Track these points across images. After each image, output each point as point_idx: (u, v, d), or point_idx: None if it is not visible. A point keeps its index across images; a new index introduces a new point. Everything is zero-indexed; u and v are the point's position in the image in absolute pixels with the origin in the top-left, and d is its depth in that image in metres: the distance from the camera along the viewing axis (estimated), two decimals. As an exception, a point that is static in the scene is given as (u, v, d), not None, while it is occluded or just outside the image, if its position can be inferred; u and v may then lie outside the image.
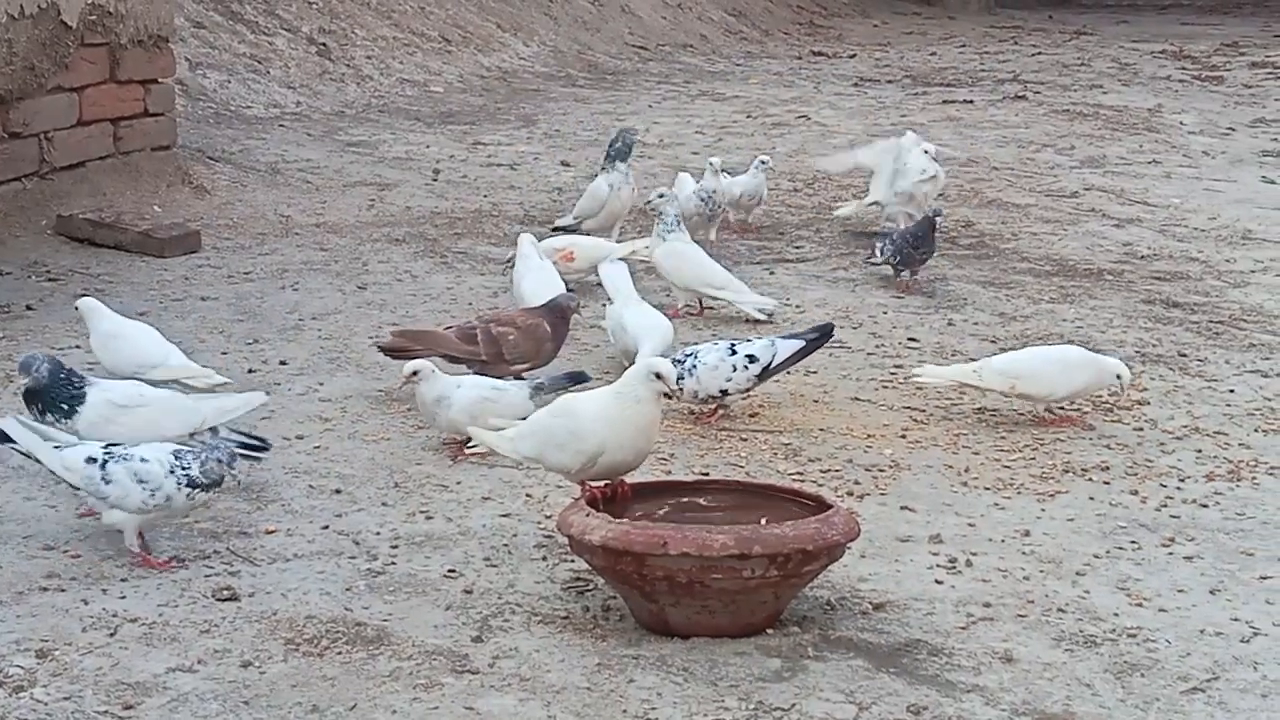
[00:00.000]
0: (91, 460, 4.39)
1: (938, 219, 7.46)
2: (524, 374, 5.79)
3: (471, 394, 5.27)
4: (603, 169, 7.92)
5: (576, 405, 4.41)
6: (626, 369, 5.98)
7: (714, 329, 6.78)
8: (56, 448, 4.46)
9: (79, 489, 4.44)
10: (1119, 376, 5.74)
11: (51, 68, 8.06)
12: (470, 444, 5.15)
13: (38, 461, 4.49)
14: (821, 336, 5.82)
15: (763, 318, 6.87)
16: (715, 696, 3.79)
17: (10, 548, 4.51)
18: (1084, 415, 5.82)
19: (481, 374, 5.76)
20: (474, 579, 4.39)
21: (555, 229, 7.85)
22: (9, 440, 4.49)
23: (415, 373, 5.29)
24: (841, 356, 6.50)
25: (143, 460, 4.37)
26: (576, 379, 5.46)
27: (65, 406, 4.73)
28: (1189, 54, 17.25)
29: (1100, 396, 5.96)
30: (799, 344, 5.74)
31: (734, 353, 5.62)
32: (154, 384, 5.25)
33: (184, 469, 4.37)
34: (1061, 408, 5.81)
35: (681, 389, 5.47)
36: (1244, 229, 9.18)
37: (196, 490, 4.39)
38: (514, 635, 4.07)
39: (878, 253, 7.55)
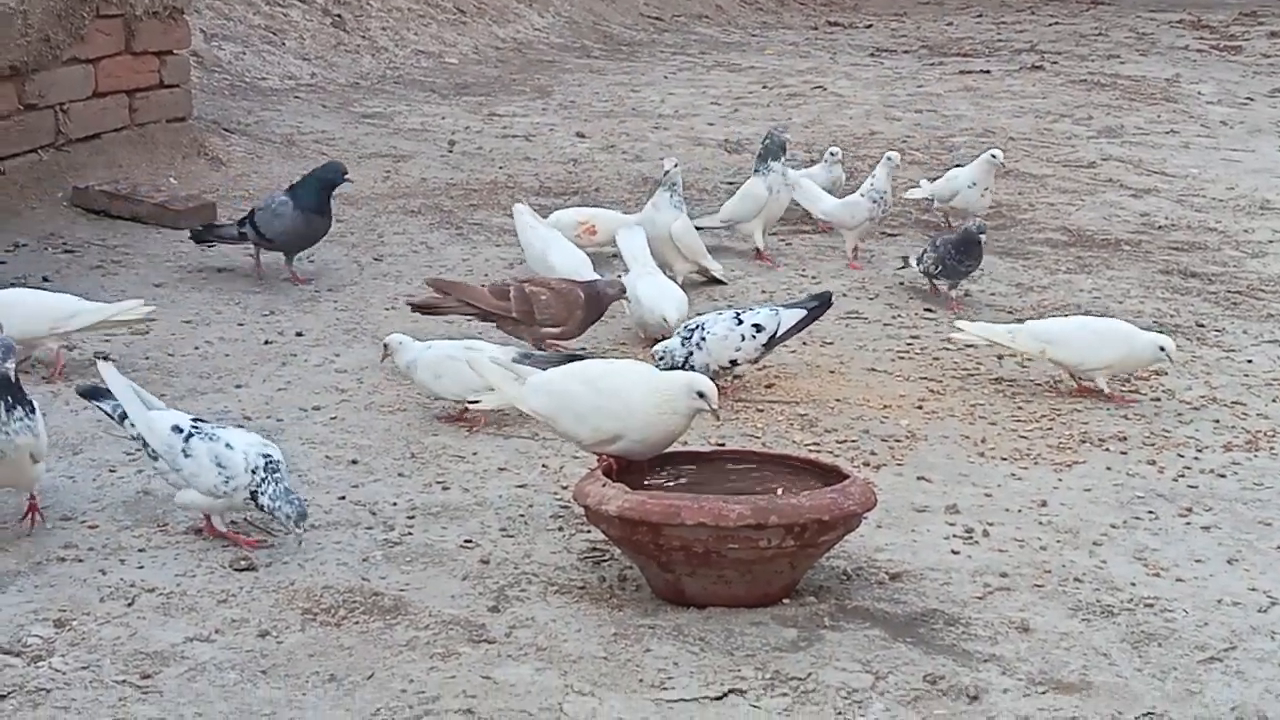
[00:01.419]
0: (177, 430, 4.34)
1: (982, 236, 6.68)
2: (556, 340, 5.79)
3: (437, 353, 5.27)
4: (757, 170, 7.35)
5: (611, 382, 4.32)
6: (645, 339, 6.05)
7: (729, 299, 6.77)
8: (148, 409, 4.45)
9: (156, 456, 4.39)
10: (1162, 348, 5.65)
11: (67, 39, 8.05)
12: (469, 407, 5.16)
13: (121, 420, 4.44)
14: (821, 305, 5.82)
15: (724, 280, 7.01)
16: (731, 666, 3.79)
17: (28, 518, 4.53)
18: (1126, 394, 5.78)
19: (514, 334, 5.79)
20: (490, 549, 4.40)
21: (698, 228, 7.38)
22: (98, 397, 4.47)
23: (386, 345, 5.35)
24: (858, 327, 6.49)
25: (228, 446, 4.33)
26: (572, 358, 5.38)
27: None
28: (1207, 23, 17.15)
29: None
30: (801, 313, 5.74)
31: (740, 322, 5.61)
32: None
33: (260, 481, 4.29)
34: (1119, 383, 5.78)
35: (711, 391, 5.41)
36: (1262, 199, 9.14)
37: (252, 505, 4.34)
38: (530, 605, 4.08)
39: (914, 261, 6.89)
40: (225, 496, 4.32)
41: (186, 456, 4.32)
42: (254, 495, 4.31)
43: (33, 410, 4.36)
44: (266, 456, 4.34)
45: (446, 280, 6.16)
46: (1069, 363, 5.74)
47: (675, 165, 6.90)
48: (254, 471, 4.30)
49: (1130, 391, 5.81)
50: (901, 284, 7.15)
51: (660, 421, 4.24)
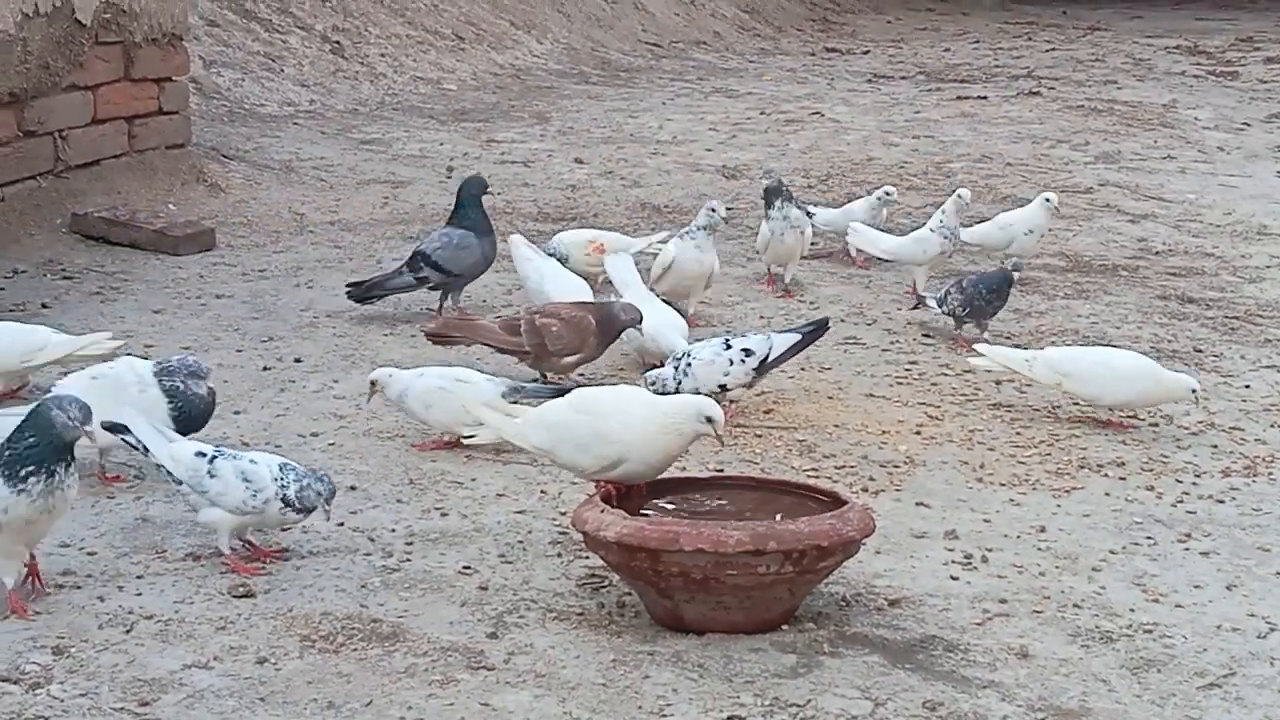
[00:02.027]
0: (201, 455, 4.38)
1: (1016, 274, 6.72)
2: (574, 369, 5.78)
3: (428, 383, 5.26)
4: (765, 218, 7.28)
5: (605, 406, 4.35)
6: (646, 366, 6.05)
7: (728, 324, 6.77)
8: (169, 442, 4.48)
9: (180, 483, 4.39)
10: (1193, 391, 5.61)
11: (66, 66, 8.07)
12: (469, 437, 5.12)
13: (145, 452, 4.46)
14: (817, 330, 5.82)
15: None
16: (730, 693, 3.78)
17: (26, 545, 4.52)
18: (1124, 420, 5.76)
19: (534, 368, 5.82)
20: (489, 575, 4.39)
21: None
22: (122, 431, 4.51)
23: (374, 383, 5.33)
24: (856, 353, 6.49)
25: (251, 462, 4.37)
26: (562, 393, 5.35)
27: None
28: (1204, 49, 17.21)
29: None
30: (795, 338, 5.74)
31: (729, 347, 5.62)
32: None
33: (283, 485, 4.35)
34: (1129, 415, 5.76)
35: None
36: (1259, 224, 9.16)
37: (288, 509, 4.37)
38: (529, 631, 4.07)
39: (935, 301, 6.63)
40: (254, 512, 4.34)
41: (212, 477, 4.34)
42: (284, 499, 4.34)
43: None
44: (283, 464, 4.41)
45: (457, 319, 6.16)
46: (1084, 395, 5.71)
47: (728, 210, 6.75)
48: (276, 479, 4.35)
49: (1128, 417, 5.81)
50: (900, 309, 7.14)
51: (662, 443, 4.25)
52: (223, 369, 6.10)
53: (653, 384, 5.55)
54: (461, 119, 11.46)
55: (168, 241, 7.74)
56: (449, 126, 11.15)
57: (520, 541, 4.62)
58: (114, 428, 4.57)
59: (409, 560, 4.49)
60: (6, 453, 3.97)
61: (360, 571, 4.40)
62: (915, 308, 6.89)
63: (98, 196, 8.16)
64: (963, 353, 6.35)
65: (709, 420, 4.24)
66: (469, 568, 4.44)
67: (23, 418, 4.07)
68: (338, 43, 12.19)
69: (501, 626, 4.09)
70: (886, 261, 7.61)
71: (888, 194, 7.98)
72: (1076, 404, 5.81)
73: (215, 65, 10.89)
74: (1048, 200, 7.63)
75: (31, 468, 3.98)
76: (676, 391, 5.49)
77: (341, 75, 11.83)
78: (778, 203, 7.20)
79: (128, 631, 4.02)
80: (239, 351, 6.33)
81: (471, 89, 12.57)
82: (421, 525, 4.73)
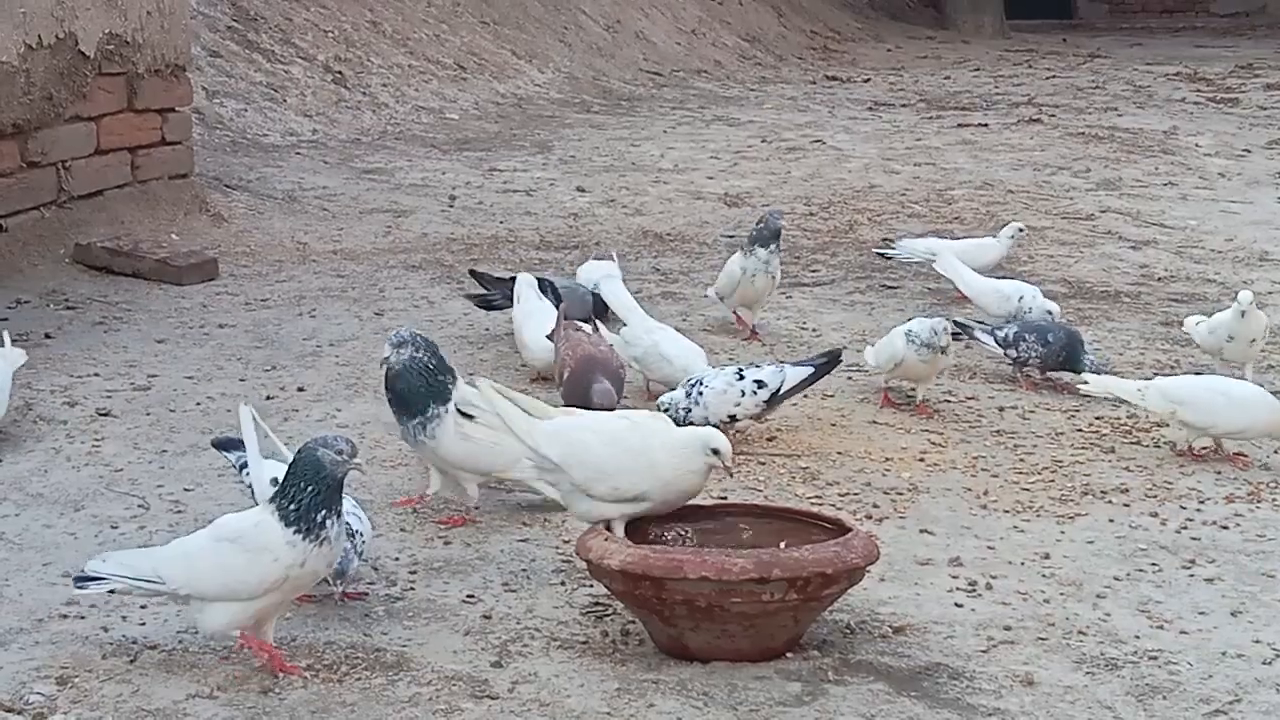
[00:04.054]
0: (275, 483, 4.25)
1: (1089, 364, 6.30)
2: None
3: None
4: (742, 249, 6.97)
5: (632, 439, 4.25)
6: (651, 395, 6.04)
7: (730, 353, 6.77)
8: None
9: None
10: None
11: (69, 97, 8.09)
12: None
13: (241, 469, 4.53)
14: (830, 362, 5.83)
15: None
16: (735, 721, 3.78)
17: (30, 575, 4.52)
18: (1242, 456, 5.71)
19: None
20: (493, 604, 4.39)
21: (706, 296, 7.28)
22: (228, 449, 4.67)
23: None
24: (859, 379, 6.50)
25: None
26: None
27: None
28: (1204, 76, 17.24)
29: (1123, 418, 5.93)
30: (808, 370, 5.73)
31: (741, 378, 5.61)
32: None
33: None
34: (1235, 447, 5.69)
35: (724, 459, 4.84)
36: (1261, 250, 9.17)
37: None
38: (533, 660, 4.07)
39: (991, 339, 6.50)
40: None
41: None
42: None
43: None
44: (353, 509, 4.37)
45: (565, 321, 6.07)
46: (1199, 424, 5.61)
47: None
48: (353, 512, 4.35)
49: (1132, 444, 5.81)
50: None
51: (679, 480, 4.24)
52: (226, 398, 6.10)
53: (665, 408, 5.55)
54: (464, 148, 11.48)
55: (171, 271, 7.74)
56: (451, 156, 11.17)
57: (524, 570, 4.62)
58: (223, 444, 4.73)
59: (412, 589, 4.48)
60: (291, 508, 3.87)
61: (364, 600, 4.39)
62: (957, 336, 6.60)
63: (101, 227, 8.16)
64: (1028, 390, 6.24)
65: (715, 452, 4.23)
66: (473, 596, 4.43)
67: (290, 466, 3.96)
68: (340, 73, 12.22)
69: (505, 655, 4.09)
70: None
71: (1020, 231, 7.66)
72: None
73: (218, 95, 10.91)
74: (1246, 301, 6.35)
75: (324, 512, 3.88)
76: (687, 414, 5.50)
77: (344, 105, 11.86)
78: (773, 246, 6.89)
79: (132, 661, 4.02)
80: (242, 381, 6.33)
81: (473, 118, 12.59)
82: (425, 554, 4.73)
